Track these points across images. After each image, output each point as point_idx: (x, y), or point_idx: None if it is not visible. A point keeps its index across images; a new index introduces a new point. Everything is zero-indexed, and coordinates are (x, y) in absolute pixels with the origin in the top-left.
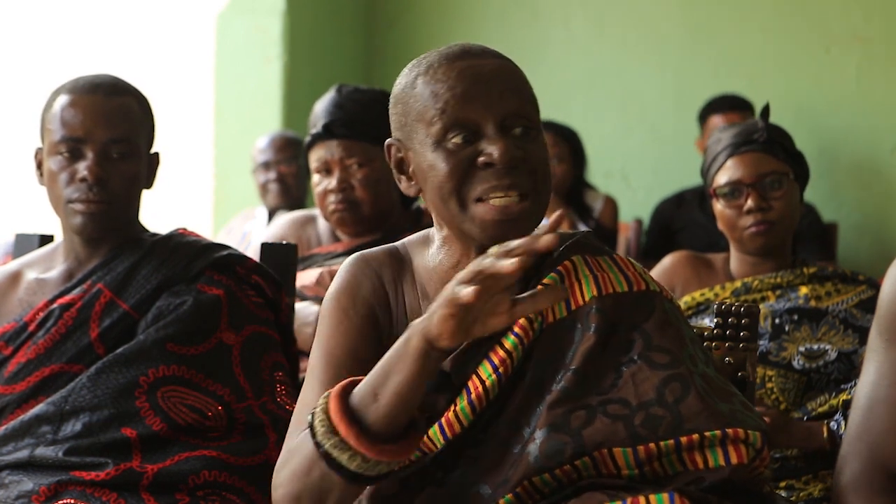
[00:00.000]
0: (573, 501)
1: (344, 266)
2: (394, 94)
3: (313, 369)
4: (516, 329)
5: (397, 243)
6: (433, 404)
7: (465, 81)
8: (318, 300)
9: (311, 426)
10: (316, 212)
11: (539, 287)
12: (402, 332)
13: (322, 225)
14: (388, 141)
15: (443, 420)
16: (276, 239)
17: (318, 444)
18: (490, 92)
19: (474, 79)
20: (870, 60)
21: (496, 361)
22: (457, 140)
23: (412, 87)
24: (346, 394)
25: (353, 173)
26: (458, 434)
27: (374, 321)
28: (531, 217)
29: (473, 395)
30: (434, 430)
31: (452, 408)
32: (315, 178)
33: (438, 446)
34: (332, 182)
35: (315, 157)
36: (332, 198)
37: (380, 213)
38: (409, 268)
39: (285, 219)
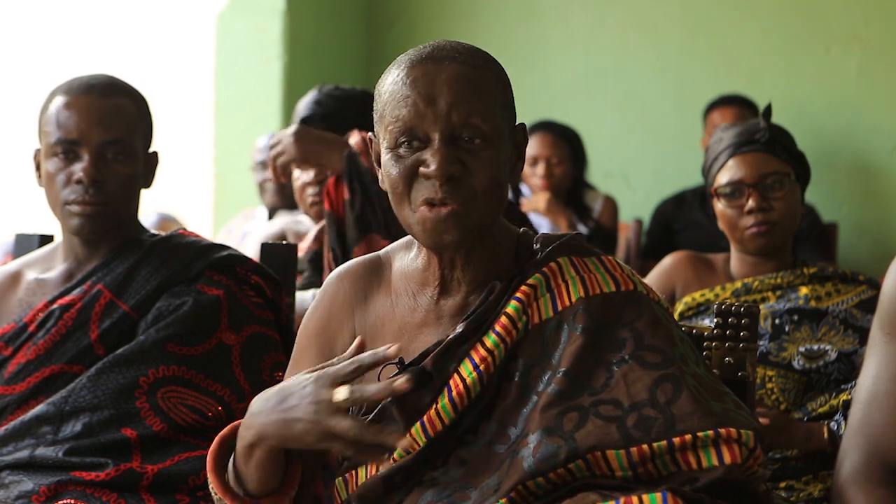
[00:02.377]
0: (567, 501)
1: (322, 287)
2: (376, 88)
3: None
4: (497, 328)
5: (381, 251)
6: (416, 402)
7: (417, 91)
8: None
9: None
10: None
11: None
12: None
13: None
14: (369, 134)
15: (424, 418)
16: (270, 238)
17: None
18: (438, 103)
19: (426, 89)
20: (870, 60)
21: (477, 360)
22: (406, 146)
23: (382, 86)
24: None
25: None
26: (440, 432)
27: (332, 348)
28: (465, 224)
29: (454, 393)
30: (416, 428)
31: (434, 406)
32: (295, 172)
33: (421, 444)
34: (310, 175)
35: None
36: (310, 190)
37: None
38: (387, 274)
39: (274, 223)
